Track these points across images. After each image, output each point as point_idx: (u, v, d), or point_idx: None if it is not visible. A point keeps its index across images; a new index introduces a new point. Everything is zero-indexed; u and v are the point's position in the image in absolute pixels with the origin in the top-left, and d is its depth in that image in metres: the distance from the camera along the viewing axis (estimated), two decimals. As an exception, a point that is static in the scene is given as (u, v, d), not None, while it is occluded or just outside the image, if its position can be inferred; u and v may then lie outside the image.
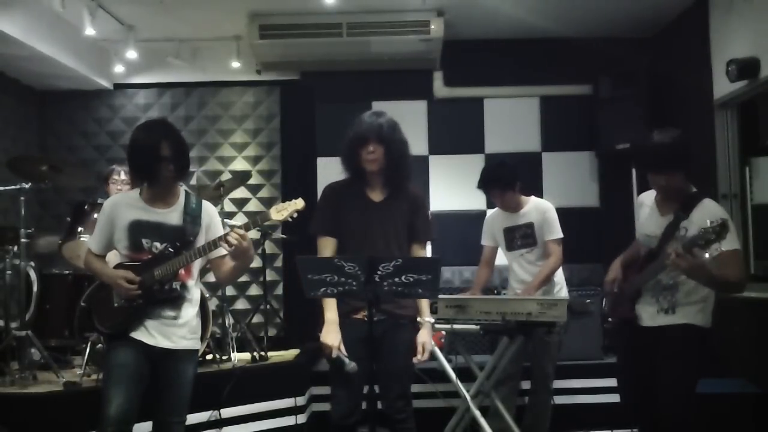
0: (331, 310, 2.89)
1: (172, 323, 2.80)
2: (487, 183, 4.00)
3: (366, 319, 2.79)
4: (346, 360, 2.76)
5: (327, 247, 2.99)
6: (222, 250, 2.84)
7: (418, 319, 3.02)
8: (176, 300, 2.82)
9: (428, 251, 5.34)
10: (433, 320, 3.06)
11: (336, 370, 2.81)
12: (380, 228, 2.95)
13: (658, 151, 2.89)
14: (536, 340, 3.74)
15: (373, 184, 3.01)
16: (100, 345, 3.76)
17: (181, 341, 2.82)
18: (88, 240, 2.94)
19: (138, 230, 2.79)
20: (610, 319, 3.17)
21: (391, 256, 2.74)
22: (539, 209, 3.99)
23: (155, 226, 2.80)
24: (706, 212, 2.82)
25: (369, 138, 2.89)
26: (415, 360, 2.97)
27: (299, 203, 2.78)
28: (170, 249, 2.79)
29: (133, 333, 2.76)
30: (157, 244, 2.80)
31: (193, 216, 2.86)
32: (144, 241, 2.79)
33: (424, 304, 3.03)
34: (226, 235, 2.76)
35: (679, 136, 2.91)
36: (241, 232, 2.73)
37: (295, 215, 2.77)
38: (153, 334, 2.77)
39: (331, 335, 2.84)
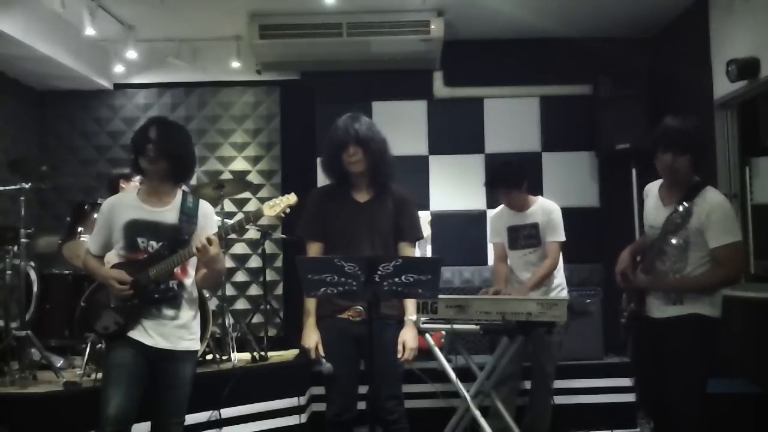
0: (307, 314, 2.97)
1: (171, 323, 2.79)
2: (495, 181, 3.99)
3: (351, 318, 2.90)
4: (323, 361, 2.81)
5: (312, 251, 3.03)
6: None
7: (410, 317, 3.02)
8: (173, 299, 2.80)
9: (428, 251, 5.45)
10: (415, 318, 3.05)
11: (318, 369, 2.87)
12: (366, 229, 2.97)
13: (671, 130, 2.94)
14: (536, 340, 3.75)
15: (359, 185, 3.04)
16: (100, 345, 3.76)
17: (180, 342, 2.81)
18: (87, 240, 2.95)
19: (134, 229, 2.78)
20: (625, 314, 3.15)
21: (391, 256, 2.75)
22: (545, 210, 3.99)
23: (151, 225, 2.79)
24: (707, 202, 2.85)
25: (348, 141, 2.93)
26: (402, 361, 2.96)
27: (291, 198, 2.78)
28: (165, 248, 2.77)
29: (132, 333, 2.75)
30: (153, 243, 2.78)
31: (189, 215, 2.84)
32: (140, 240, 2.78)
33: (410, 303, 3.03)
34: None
35: (694, 122, 2.97)
36: (212, 239, 2.69)
37: (288, 210, 2.77)
38: (151, 334, 2.76)
39: (308, 338, 2.93)
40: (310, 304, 2.96)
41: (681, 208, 2.68)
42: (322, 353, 2.87)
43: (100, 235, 2.85)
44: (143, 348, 2.74)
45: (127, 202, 2.83)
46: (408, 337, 2.97)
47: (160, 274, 2.75)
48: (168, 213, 2.82)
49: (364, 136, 2.93)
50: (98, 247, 2.87)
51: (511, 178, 3.94)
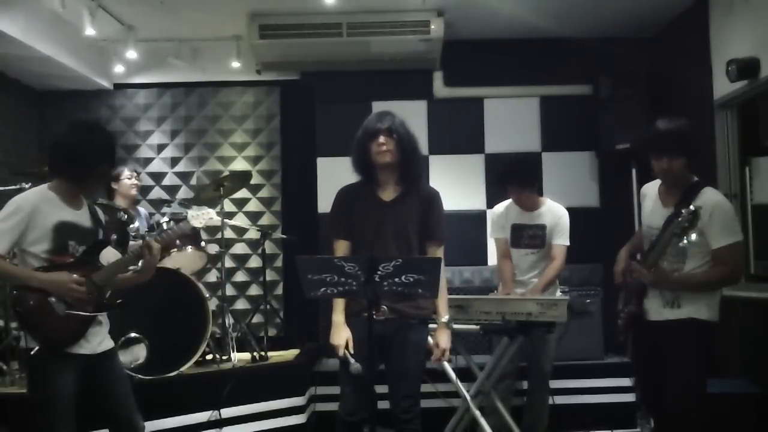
0: (337, 312, 2.95)
1: (102, 324, 2.79)
2: (508, 178, 3.98)
3: (375, 316, 2.81)
4: (351, 360, 2.77)
5: (339, 250, 3.04)
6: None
7: (441, 319, 2.99)
8: (118, 306, 2.80)
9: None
10: (446, 319, 3.01)
11: (344, 369, 2.85)
12: (391, 228, 2.96)
13: (662, 134, 2.95)
14: (534, 339, 3.74)
15: (385, 183, 3.02)
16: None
17: (107, 342, 2.81)
18: None
19: (64, 232, 2.68)
20: (622, 315, 3.14)
21: (391, 256, 2.74)
22: (555, 213, 3.99)
23: (76, 227, 2.73)
24: (707, 203, 2.84)
25: (379, 130, 2.94)
26: (433, 361, 2.98)
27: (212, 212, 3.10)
28: (90, 252, 2.75)
29: (74, 348, 2.65)
30: (79, 247, 2.73)
31: (97, 219, 2.85)
32: (70, 243, 2.70)
33: (441, 304, 2.99)
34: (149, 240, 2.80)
35: (684, 123, 2.97)
36: (155, 245, 2.76)
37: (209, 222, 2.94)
38: (90, 340, 2.70)
39: (337, 336, 2.90)
40: (340, 301, 2.95)
41: (685, 212, 2.66)
42: (351, 351, 2.84)
43: (15, 233, 2.59)
44: (82, 360, 2.67)
45: (50, 202, 2.69)
46: (442, 339, 2.96)
47: (106, 279, 2.72)
48: (84, 216, 2.80)
49: (396, 128, 2.94)
50: (9, 248, 2.61)
51: (527, 175, 3.94)
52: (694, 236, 2.69)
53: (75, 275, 2.63)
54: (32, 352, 2.61)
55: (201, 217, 3.12)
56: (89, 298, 2.66)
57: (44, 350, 2.61)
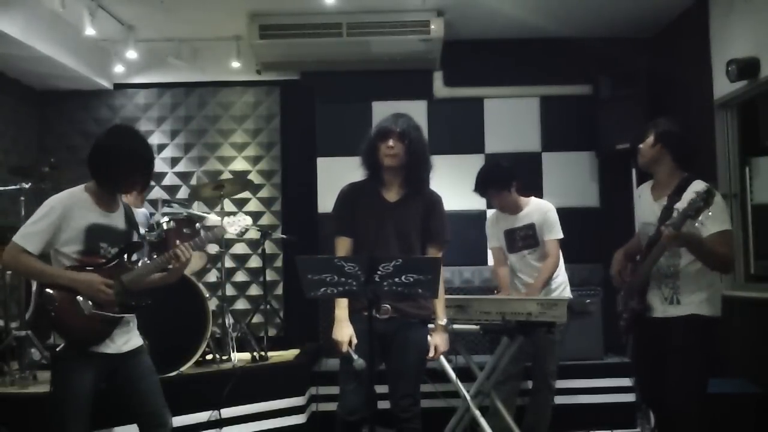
0: (340, 308, 2.94)
1: (129, 325, 2.79)
2: (482, 185, 3.98)
3: (378, 315, 2.83)
4: (355, 356, 2.74)
5: (342, 246, 3.03)
6: None
7: (439, 321, 2.99)
8: (146, 308, 2.79)
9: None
10: (444, 322, 3.01)
11: (346, 365, 2.84)
12: (393, 229, 2.97)
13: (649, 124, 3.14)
14: (538, 339, 3.74)
15: (390, 183, 3.03)
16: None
17: (136, 339, 2.82)
18: (18, 238, 2.62)
19: (95, 234, 2.70)
20: (625, 315, 3.13)
21: (392, 256, 2.74)
22: (540, 210, 3.99)
23: (108, 229, 2.75)
24: (697, 193, 2.85)
25: (391, 132, 2.94)
26: (428, 358, 2.98)
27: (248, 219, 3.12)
28: (121, 253, 2.76)
29: (99, 347, 2.66)
30: (111, 249, 2.75)
31: (131, 222, 2.86)
32: (102, 245, 2.71)
33: (439, 305, 3.00)
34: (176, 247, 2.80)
35: (671, 119, 3.10)
36: (187, 251, 2.79)
37: (246, 231, 2.90)
38: (116, 340, 2.70)
39: (341, 332, 2.89)
40: (341, 299, 2.94)
41: (699, 194, 2.67)
42: (353, 348, 2.83)
43: (48, 234, 2.62)
44: (104, 361, 2.67)
45: (84, 204, 2.71)
46: (439, 341, 2.97)
47: (135, 281, 2.73)
48: (118, 218, 2.80)
49: (407, 132, 2.94)
50: (42, 247, 2.64)
51: (499, 179, 3.93)
52: (709, 213, 2.72)
53: (99, 277, 2.64)
54: (57, 350, 2.63)
55: (237, 223, 3.06)
56: (116, 300, 2.68)
57: (69, 348, 2.64)
